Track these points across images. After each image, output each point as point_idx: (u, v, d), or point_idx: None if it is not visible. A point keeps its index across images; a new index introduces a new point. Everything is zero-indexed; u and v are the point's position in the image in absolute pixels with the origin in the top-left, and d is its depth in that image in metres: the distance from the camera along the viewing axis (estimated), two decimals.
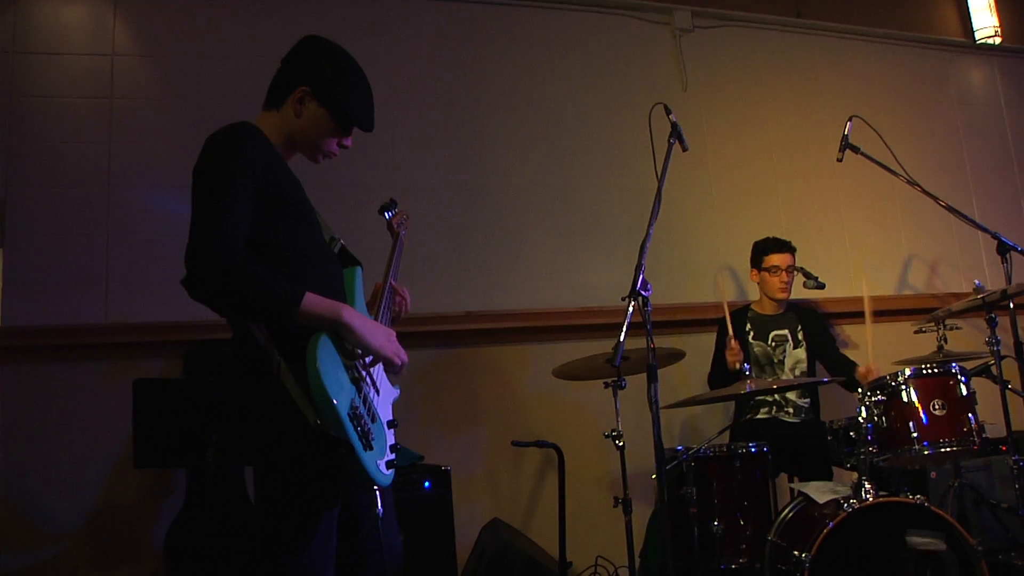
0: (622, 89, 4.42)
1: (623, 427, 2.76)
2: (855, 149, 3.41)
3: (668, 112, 2.70)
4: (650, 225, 2.48)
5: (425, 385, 3.80)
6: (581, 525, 3.60)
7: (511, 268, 4.05)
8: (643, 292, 2.34)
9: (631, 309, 2.32)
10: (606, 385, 2.72)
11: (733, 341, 3.58)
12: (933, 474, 3.67)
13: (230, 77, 3.79)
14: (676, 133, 2.69)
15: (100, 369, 3.46)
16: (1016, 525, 3.35)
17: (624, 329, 2.29)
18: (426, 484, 3.14)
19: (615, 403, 2.76)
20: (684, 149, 2.70)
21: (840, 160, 3.42)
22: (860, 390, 2.95)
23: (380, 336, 1.83)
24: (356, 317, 1.77)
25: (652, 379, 2.32)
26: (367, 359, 1.86)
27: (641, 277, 2.36)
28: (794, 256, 3.84)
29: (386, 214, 2.46)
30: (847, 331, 4.51)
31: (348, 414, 1.67)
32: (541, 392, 3.92)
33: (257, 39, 3.86)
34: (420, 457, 3.34)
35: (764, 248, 3.86)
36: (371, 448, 1.72)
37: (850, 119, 3.44)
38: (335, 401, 1.64)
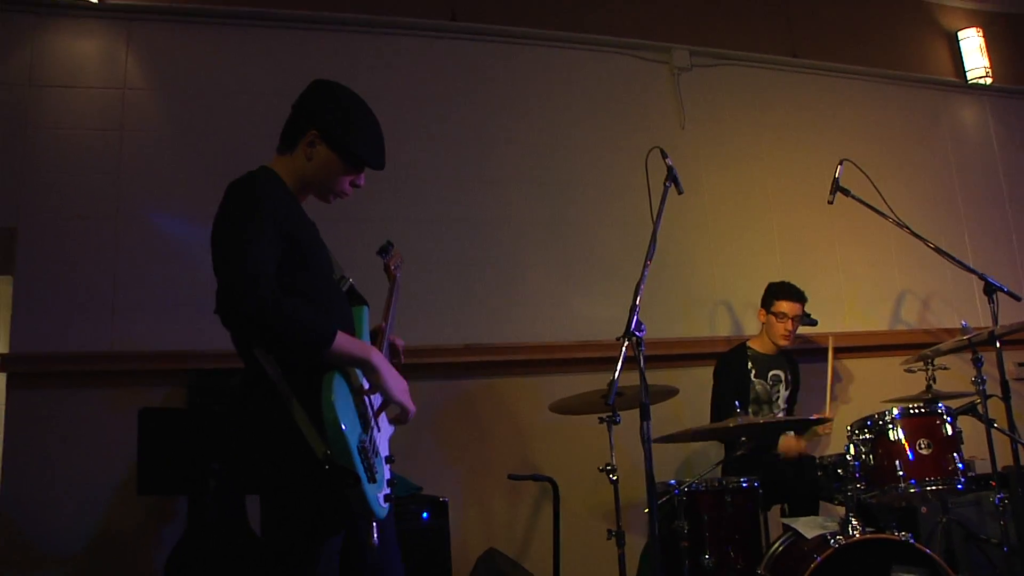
0: (621, 126, 4.51)
1: (617, 461, 2.82)
2: (845, 192, 3.50)
3: (664, 156, 2.78)
4: (645, 267, 2.55)
5: (424, 416, 3.83)
6: (575, 556, 3.63)
7: (510, 302, 4.11)
8: (637, 333, 2.40)
9: (624, 349, 2.39)
10: (601, 420, 2.79)
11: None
12: (924, 509, 3.72)
13: (238, 112, 3.88)
14: (672, 176, 2.77)
15: (105, 396, 3.51)
16: (1003, 560, 3.40)
17: (618, 369, 2.36)
18: (424, 515, 3.20)
19: (609, 438, 2.83)
20: (679, 192, 2.78)
21: (831, 203, 3.51)
22: (848, 428, 3.02)
23: (400, 385, 1.95)
24: (383, 362, 1.90)
25: (645, 417, 2.39)
26: (374, 399, 1.95)
27: (635, 318, 2.43)
28: (803, 307, 3.88)
29: (383, 256, 2.53)
30: (840, 366, 4.58)
31: (357, 448, 1.75)
32: (538, 425, 3.97)
33: (265, 76, 3.95)
34: (418, 488, 3.40)
35: (777, 292, 3.89)
36: (374, 481, 1.81)
37: (841, 162, 3.53)
38: (347, 435, 1.73)
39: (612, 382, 2.37)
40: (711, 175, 4.62)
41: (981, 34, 5.33)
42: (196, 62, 3.93)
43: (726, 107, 4.79)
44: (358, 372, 1.91)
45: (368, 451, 1.82)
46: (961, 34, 5.39)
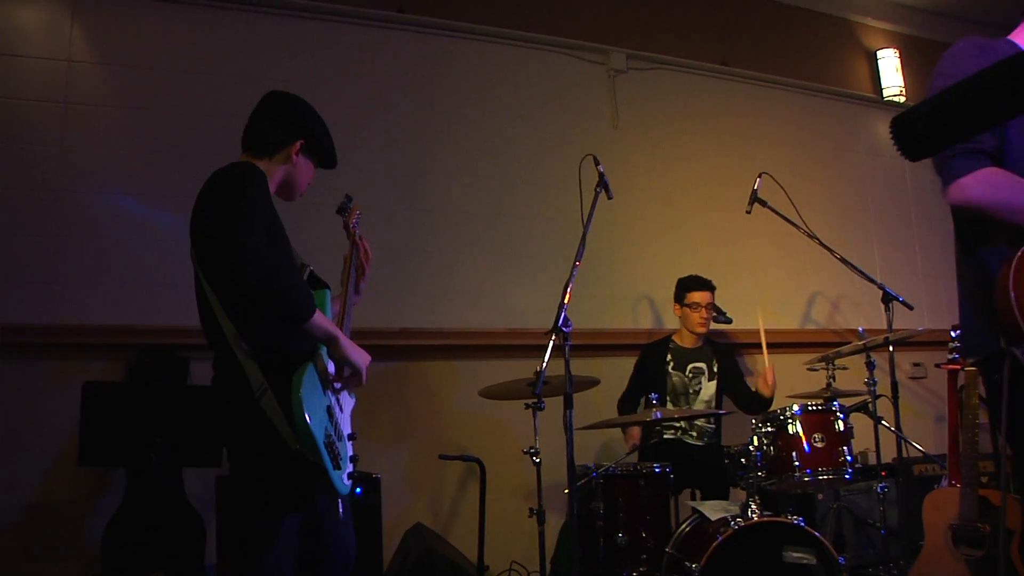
0: (556, 123, 4.67)
1: (540, 445, 3.01)
2: (763, 203, 3.77)
3: (596, 163, 2.98)
4: (574, 267, 2.75)
5: (360, 396, 3.95)
6: (498, 532, 3.80)
7: (444, 289, 4.26)
8: (564, 328, 2.61)
9: (551, 343, 2.59)
10: (527, 407, 2.99)
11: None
12: (820, 496, 4.05)
13: (183, 90, 3.90)
14: (603, 183, 2.97)
15: (43, 368, 3.54)
16: (881, 541, 3.74)
17: (544, 361, 2.56)
18: (358, 490, 3.36)
19: (534, 423, 3.02)
20: (609, 197, 2.98)
21: (749, 212, 3.77)
22: (753, 421, 3.29)
23: (364, 359, 2.20)
24: (344, 338, 2.13)
25: (568, 406, 2.60)
26: (337, 385, 2.14)
27: (563, 314, 2.63)
28: (713, 294, 4.14)
29: (342, 214, 2.64)
30: (757, 360, 4.86)
31: (324, 443, 1.93)
32: (467, 408, 4.14)
33: (212, 56, 3.98)
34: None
35: (687, 285, 4.15)
36: (339, 468, 2.01)
37: (760, 175, 3.79)
38: (314, 432, 1.91)
39: (539, 372, 2.57)
40: (640, 175, 4.82)
41: (898, 54, 5.68)
42: (142, 39, 3.92)
43: (658, 110, 5.00)
44: (325, 358, 2.09)
45: (334, 442, 2.01)
46: (880, 53, 5.72)
